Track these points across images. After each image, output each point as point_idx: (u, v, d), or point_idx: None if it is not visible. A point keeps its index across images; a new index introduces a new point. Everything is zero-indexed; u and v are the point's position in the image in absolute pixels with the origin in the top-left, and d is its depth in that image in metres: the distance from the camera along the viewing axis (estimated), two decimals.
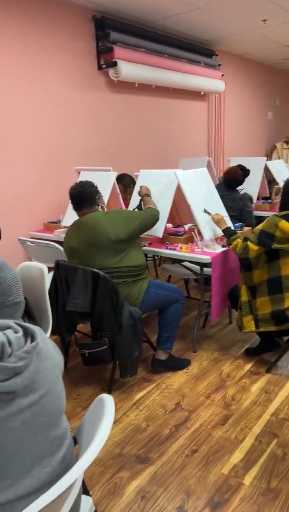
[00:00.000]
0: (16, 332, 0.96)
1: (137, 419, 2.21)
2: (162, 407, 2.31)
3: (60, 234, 3.45)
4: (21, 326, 1.00)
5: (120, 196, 3.58)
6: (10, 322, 1.00)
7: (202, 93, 5.65)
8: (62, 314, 2.49)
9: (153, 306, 2.59)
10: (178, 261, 3.25)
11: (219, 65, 5.73)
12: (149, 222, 2.55)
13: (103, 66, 4.15)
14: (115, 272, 2.40)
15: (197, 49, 5.30)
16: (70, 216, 3.44)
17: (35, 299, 2.28)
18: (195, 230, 2.81)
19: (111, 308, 2.35)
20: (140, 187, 3.03)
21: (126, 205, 3.50)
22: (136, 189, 3.21)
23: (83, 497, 1.21)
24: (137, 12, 4.17)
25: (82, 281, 2.34)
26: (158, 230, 2.85)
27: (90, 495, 1.26)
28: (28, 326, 1.01)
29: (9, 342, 0.92)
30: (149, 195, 2.93)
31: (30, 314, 2.15)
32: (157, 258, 4.47)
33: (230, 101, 6.36)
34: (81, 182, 2.58)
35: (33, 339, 0.99)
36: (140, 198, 2.98)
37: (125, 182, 3.89)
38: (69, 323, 2.56)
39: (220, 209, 3.01)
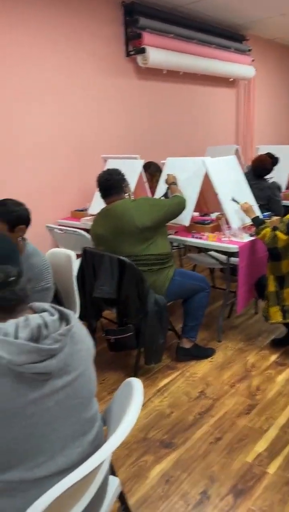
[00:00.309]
0: (52, 315, 0.99)
1: (161, 405, 2.24)
2: (186, 394, 2.33)
3: (87, 222, 3.48)
4: (57, 310, 1.02)
5: (146, 184, 3.57)
6: (46, 305, 1.03)
7: (231, 79, 5.53)
8: (88, 300, 2.53)
9: (178, 294, 2.59)
10: (203, 250, 3.23)
11: (249, 50, 5.59)
12: (176, 210, 2.55)
13: (132, 52, 4.12)
14: (141, 260, 2.41)
15: (226, 34, 5.18)
16: (97, 204, 3.47)
17: (63, 285, 2.32)
18: (223, 219, 2.79)
19: (137, 295, 2.37)
20: (168, 175, 3.01)
21: (153, 193, 3.49)
22: (163, 177, 3.20)
23: (111, 477, 1.24)
24: None
25: (109, 268, 2.37)
26: (185, 218, 2.84)
27: (116, 476, 1.29)
28: (63, 309, 1.03)
29: (46, 325, 0.95)
30: (175, 184, 2.91)
31: (58, 300, 2.19)
32: (182, 247, 4.46)
33: (260, 88, 6.20)
34: (108, 169, 2.59)
35: (67, 323, 1.01)
36: (167, 186, 2.97)
37: (152, 170, 3.87)
38: (95, 309, 2.60)
39: (248, 198, 2.97)
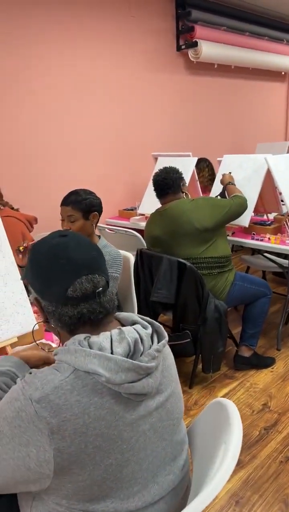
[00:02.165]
0: (145, 327, 0.89)
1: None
2: (248, 406, 2.19)
3: (136, 221, 3.40)
4: (147, 321, 0.92)
5: (198, 182, 3.44)
6: (135, 316, 0.93)
7: (283, 72, 5.30)
8: (144, 303, 2.44)
9: (239, 299, 2.46)
10: (258, 252, 3.07)
11: None
12: (237, 211, 2.41)
13: (183, 47, 4.00)
14: (201, 262, 2.30)
15: (279, 26, 4.97)
16: (148, 203, 3.37)
17: (120, 287, 2.24)
18: (286, 219, 2.62)
19: (196, 300, 2.26)
20: (223, 175, 2.86)
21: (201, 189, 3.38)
22: (218, 177, 3.06)
23: None
24: None
25: (168, 271, 2.26)
26: (244, 219, 2.69)
27: None
28: (153, 321, 0.93)
29: (141, 339, 0.85)
30: (233, 183, 2.77)
31: (118, 303, 2.12)
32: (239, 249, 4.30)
33: None
34: (165, 168, 2.48)
35: (159, 336, 0.91)
36: (223, 186, 2.83)
37: (201, 166, 3.73)
38: (150, 313, 2.50)
39: None
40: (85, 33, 3.31)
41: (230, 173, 2.89)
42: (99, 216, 1.99)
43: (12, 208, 2.46)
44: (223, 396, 2.29)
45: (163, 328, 0.95)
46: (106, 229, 3.23)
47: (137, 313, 2.35)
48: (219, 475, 0.82)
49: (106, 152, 3.67)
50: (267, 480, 1.74)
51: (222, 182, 2.82)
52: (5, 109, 2.95)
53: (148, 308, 2.46)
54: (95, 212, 1.96)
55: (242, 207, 2.44)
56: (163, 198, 2.45)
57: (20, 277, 1.47)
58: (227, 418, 0.97)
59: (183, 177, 2.47)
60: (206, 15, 4.01)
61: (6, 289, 1.45)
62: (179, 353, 2.38)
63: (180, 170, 2.47)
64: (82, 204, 1.91)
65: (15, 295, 1.44)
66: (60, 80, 3.22)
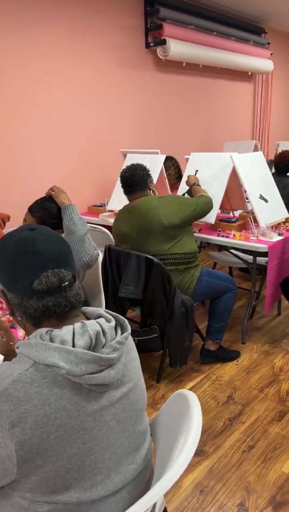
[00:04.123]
0: (108, 321, 0.91)
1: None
2: (214, 399, 2.25)
3: (105, 218, 3.40)
4: (112, 315, 0.94)
5: (166, 180, 3.47)
6: (101, 310, 0.95)
7: (249, 73, 5.41)
8: (112, 299, 2.45)
9: (205, 294, 2.51)
10: (225, 248, 3.14)
11: (268, 43, 5.46)
12: (203, 210, 2.44)
13: (152, 44, 4.01)
14: (168, 259, 2.33)
15: (245, 27, 5.06)
16: (116, 200, 3.38)
17: (88, 283, 2.24)
18: (250, 217, 2.69)
19: (164, 296, 2.29)
20: (188, 176, 2.88)
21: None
22: (186, 173, 3.10)
23: None
24: None
25: (136, 267, 2.29)
26: (210, 216, 2.74)
27: None
28: (118, 315, 0.95)
29: (103, 332, 0.87)
30: (198, 185, 2.80)
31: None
32: (205, 245, 4.37)
33: (277, 82, 6.08)
34: (133, 165, 2.49)
35: (123, 329, 0.94)
36: (188, 187, 2.86)
37: (167, 164, 3.76)
38: (118, 309, 2.52)
39: (275, 195, 2.87)
40: (52, 28, 3.27)
41: (196, 172, 2.93)
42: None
43: None
44: (190, 389, 2.33)
45: (127, 322, 0.97)
46: None
47: (105, 308, 2.37)
48: (178, 462, 0.84)
49: (76, 149, 3.65)
50: (230, 469, 1.79)
51: (187, 183, 2.84)
52: None
53: (115, 304, 2.47)
54: (60, 230, 1.88)
55: (208, 206, 2.48)
56: (131, 195, 2.46)
57: None
58: (188, 408, 1.00)
59: (150, 174, 2.48)
60: (174, 13, 4.04)
61: None
62: (147, 348, 2.42)
63: (147, 167, 2.49)
64: (49, 224, 1.82)
65: None
66: (28, 76, 3.16)
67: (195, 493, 1.68)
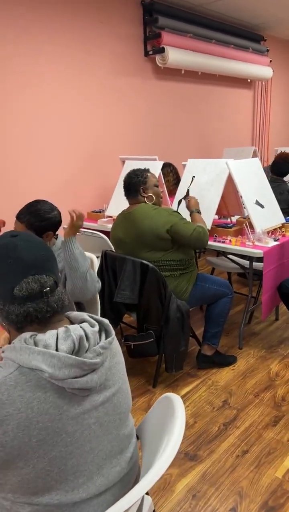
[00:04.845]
0: (92, 326, 0.93)
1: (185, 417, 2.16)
2: (209, 403, 2.25)
3: (104, 223, 3.43)
4: (96, 320, 0.96)
5: (165, 186, 3.50)
6: (85, 315, 0.96)
7: (249, 80, 5.45)
8: (108, 304, 2.47)
9: (201, 300, 2.52)
10: (223, 253, 3.16)
11: (267, 51, 5.51)
12: (195, 242, 2.30)
13: (150, 52, 4.06)
14: (163, 265, 2.34)
15: (244, 34, 5.11)
16: (114, 206, 3.42)
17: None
18: (246, 222, 2.71)
19: (159, 301, 2.31)
20: (189, 200, 2.65)
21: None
22: (183, 179, 3.12)
23: (145, 496, 1.17)
24: None
25: (131, 272, 2.30)
26: (207, 222, 2.76)
27: (148, 494, 1.22)
28: (102, 320, 0.97)
29: (86, 337, 0.89)
30: (198, 211, 2.60)
31: (79, 303, 2.14)
32: (198, 251, 4.38)
33: (277, 89, 6.12)
34: (133, 170, 2.47)
35: (107, 334, 0.95)
36: (187, 189, 2.87)
37: (166, 171, 3.79)
38: (114, 314, 2.54)
39: (272, 201, 2.89)
40: (53, 37, 3.32)
41: (192, 178, 2.95)
42: (55, 233, 1.92)
43: None
44: (185, 394, 2.34)
45: (111, 327, 0.99)
46: None
47: (102, 314, 2.39)
48: (158, 464, 0.86)
49: (75, 155, 3.69)
50: (224, 473, 1.79)
51: (188, 207, 2.65)
52: None
53: (112, 309, 2.49)
54: (50, 232, 1.87)
55: (201, 241, 2.32)
56: (128, 199, 2.48)
57: None
58: (173, 411, 1.01)
59: (145, 182, 2.42)
60: (172, 22, 4.09)
61: None
62: (143, 353, 2.43)
63: (146, 175, 2.43)
64: (36, 226, 1.81)
65: None
66: (28, 83, 3.22)
67: (188, 497, 1.68)
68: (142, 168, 2.49)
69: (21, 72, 3.17)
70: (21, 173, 3.29)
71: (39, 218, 1.82)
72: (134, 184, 2.41)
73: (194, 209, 2.59)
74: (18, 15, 3.07)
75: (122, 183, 2.47)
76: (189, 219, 2.52)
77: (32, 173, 3.36)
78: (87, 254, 2.26)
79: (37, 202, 1.88)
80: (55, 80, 3.40)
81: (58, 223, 1.91)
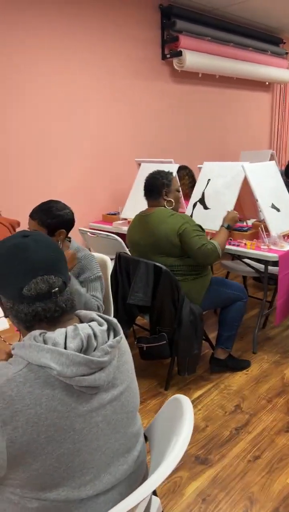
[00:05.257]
0: (100, 324, 0.94)
1: (195, 418, 2.16)
2: (221, 407, 2.24)
3: (119, 226, 3.45)
4: (104, 319, 0.97)
5: (180, 189, 3.50)
6: (93, 314, 0.98)
7: (267, 83, 5.41)
8: (121, 306, 2.48)
9: (214, 303, 2.52)
10: (238, 257, 3.14)
11: (286, 53, 5.46)
12: (201, 257, 2.24)
13: (168, 56, 4.08)
14: (176, 270, 2.33)
15: (263, 37, 5.08)
16: (130, 208, 3.43)
17: None
18: (262, 226, 2.69)
19: (172, 303, 2.31)
20: (229, 212, 2.57)
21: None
22: (200, 181, 3.12)
23: (153, 497, 1.17)
24: None
25: (144, 275, 2.31)
26: (220, 224, 2.75)
27: (156, 495, 1.22)
28: (110, 319, 0.98)
29: (95, 335, 0.90)
30: (229, 228, 2.50)
31: None
32: None
33: None
34: (157, 171, 2.45)
35: (115, 333, 0.96)
36: (202, 192, 2.86)
37: (181, 174, 3.79)
38: (127, 315, 2.54)
39: (288, 204, 2.86)
40: (71, 40, 3.37)
41: (208, 181, 2.93)
42: (68, 231, 1.95)
43: None
44: (197, 398, 2.33)
45: (119, 326, 1.00)
46: (88, 233, 3.27)
47: (115, 315, 2.40)
48: (165, 464, 0.86)
49: (91, 157, 3.73)
50: (234, 478, 1.78)
51: (225, 219, 2.54)
52: None
53: (125, 311, 2.50)
54: (62, 230, 1.90)
55: (211, 258, 2.25)
56: (148, 200, 2.46)
57: None
58: (181, 413, 1.01)
59: (169, 185, 2.40)
60: (190, 25, 4.10)
61: None
62: (155, 355, 2.43)
63: (170, 177, 2.41)
64: (48, 223, 1.85)
65: None
66: (45, 85, 3.27)
67: (198, 501, 1.68)
68: (166, 170, 2.46)
69: (39, 75, 3.22)
70: (36, 175, 3.34)
71: (50, 215, 1.85)
72: (158, 185, 2.38)
73: (225, 224, 2.49)
74: (39, 21, 3.13)
75: (144, 183, 2.43)
76: (205, 220, 2.50)
77: (47, 175, 3.41)
78: (100, 255, 2.28)
79: (50, 201, 1.93)
80: (71, 82, 3.44)
81: (70, 221, 1.93)
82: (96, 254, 2.35)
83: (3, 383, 0.81)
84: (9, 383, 0.81)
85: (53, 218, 1.85)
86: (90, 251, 2.15)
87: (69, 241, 2.03)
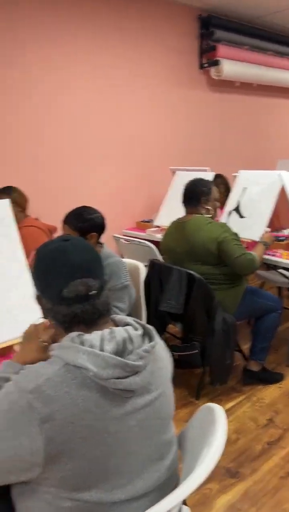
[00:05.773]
0: (136, 329, 0.95)
1: (227, 430, 2.11)
2: (253, 420, 2.19)
3: (152, 233, 3.47)
4: (140, 324, 0.98)
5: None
6: (129, 319, 0.99)
7: None
8: (153, 313, 2.48)
9: (248, 313, 2.47)
10: (273, 267, 3.07)
11: None
12: (239, 267, 2.23)
13: (205, 65, 4.10)
14: (211, 278, 2.31)
15: None
16: (164, 216, 3.44)
17: None
18: None
19: (205, 312, 2.29)
20: (266, 232, 2.60)
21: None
22: (233, 191, 3.09)
23: (183, 507, 1.16)
24: (245, 8, 4.03)
25: (177, 282, 2.31)
26: (256, 233, 2.71)
27: (186, 504, 1.21)
28: (146, 325, 0.99)
29: (130, 339, 0.91)
30: (266, 245, 2.49)
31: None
32: None
33: None
34: (198, 178, 2.46)
35: (150, 339, 0.97)
36: (238, 201, 2.83)
37: (217, 182, 3.76)
38: (159, 323, 2.54)
39: None
40: (109, 47, 3.45)
41: (244, 190, 2.91)
42: (100, 235, 2.00)
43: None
44: (229, 409, 2.29)
45: (154, 332, 1.00)
46: (122, 240, 3.31)
47: (147, 322, 2.40)
48: (196, 474, 0.85)
49: (126, 164, 3.78)
50: (266, 494, 1.73)
51: (262, 237, 2.55)
52: (28, 121, 3.10)
53: (157, 318, 2.49)
54: (94, 233, 1.96)
55: (248, 269, 2.25)
56: (186, 208, 2.46)
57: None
58: (214, 422, 1.00)
59: (208, 193, 2.41)
60: (229, 35, 4.11)
61: (17, 291, 1.54)
62: (187, 364, 2.41)
63: (209, 186, 2.42)
64: (79, 227, 1.92)
65: (25, 297, 1.52)
66: (83, 92, 3.36)
67: None
68: (206, 179, 2.46)
69: (78, 80, 3.31)
70: (72, 181, 3.42)
71: (81, 219, 1.93)
72: (198, 193, 2.38)
73: (262, 241, 2.48)
74: (76, 25, 3.23)
75: (183, 190, 2.43)
76: (241, 229, 2.48)
77: (82, 181, 3.48)
78: (133, 262, 2.30)
79: (81, 207, 2.00)
80: (109, 88, 3.52)
81: (101, 225, 1.99)
82: (129, 260, 2.37)
83: (43, 382, 0.83)
84: (48, 382, 0.83)
85: (84, 222, 1.92)
86: (122, 257, 2.19)
87: (101, 247, 2.06)
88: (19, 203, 2.52)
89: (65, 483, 0.85)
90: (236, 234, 2.29)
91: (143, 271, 2.29)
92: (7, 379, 1.04)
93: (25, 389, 0.83)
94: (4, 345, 1.44)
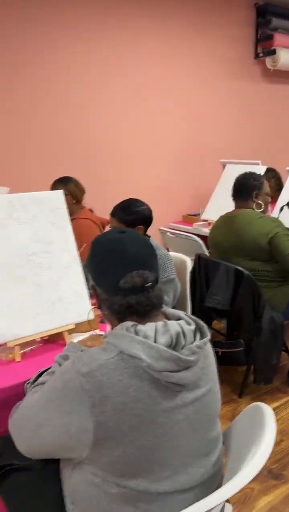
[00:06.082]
0: (188, 324, 0.95)
1: None
2: None
3: (199, 227, 3.43)
4: (192, 319, 0.98)
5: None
6: (181, 313, 0.99)
7: None
8: (198, 308, 2.46)
9: None
10: None
11: None
12: None
13: (260, 54, 3.97)
14: (259, 275, 2.25)
15: None
16: (212, 210, 3.40)
17: None
18: None
19: (252, 310, 2.24)
20: None
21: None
22: (286, 186, 2.99)
23: (225, 504, 1.15)
24: None
25: (224, 278, 2.27)
26: None
27: (229, 502, 1.20)
28: (198, 320, 0.98)
29: (183, 333, 0.91)
30: None
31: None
32: None
33: None
34: (248, 172, 2.40)
35: (202, 334, 0.96)
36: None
37: (268, 176, 3.63)
38: (204, 318, 2.50)
39: None
40: (162, 36, 3.42)
41: None
42: (146, 228, 2.00)
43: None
44: (273, 410, 2.23)
45: (206, 328, 0.99)
46: (168, 233, 3.30)
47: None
48: (242, 473, 0.84)
49: (174, 157, 3.75)
50: None
51: None
52: (84, 117, 3.16)
53: (202, 313, 2.47)
54: (141, 226, 1.97)
55: None
56: (235, 202, 2.41)
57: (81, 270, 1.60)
58: (263, 423, 0.98)
59: (260, 187, 2.35)
60: (286, 23, 3.95)
61: (68, 280, 1.58)
62: (231, 361, 2.37)
63: (261, 180, 2.36)
64: (126, 219, 1.93)
65: (75, 286, 1.56)
66: (134, 85, 3.36)
67: None
68: (258, 173, 2.40)
69: (130, 71, 3.32)
70: (120, 174, 3.45)
71: (128, 211, 1.93)
72: (249, 187, 2.33)
73: None
74: (132, 17, 3.23)
75: (233, 183, 2.38)
76: None
77: (130, 174, 3.50)
78: (179, 255, 2.29)
79: (128, 199, 2.00)
80: (162, 80, 3.50)
81: (148, 217, 1.98)
82: (175, 254, 2.36)
83: (96, 367, 0.85)
84: (101, 369, 0.85)
85: (131, 214, 1.93)
86: (168, 251, 2.19)
87: (149, 239, 2.06)
88: (74, 194, 2.58)
89: (112, 468, 0.87)
90: (288, 230, 2.22)
91: (189, 265, 2.28)
92: (67, 358, 1.09)
93: (79, 371, 0.86)
94: (56, 331, 1.48)
